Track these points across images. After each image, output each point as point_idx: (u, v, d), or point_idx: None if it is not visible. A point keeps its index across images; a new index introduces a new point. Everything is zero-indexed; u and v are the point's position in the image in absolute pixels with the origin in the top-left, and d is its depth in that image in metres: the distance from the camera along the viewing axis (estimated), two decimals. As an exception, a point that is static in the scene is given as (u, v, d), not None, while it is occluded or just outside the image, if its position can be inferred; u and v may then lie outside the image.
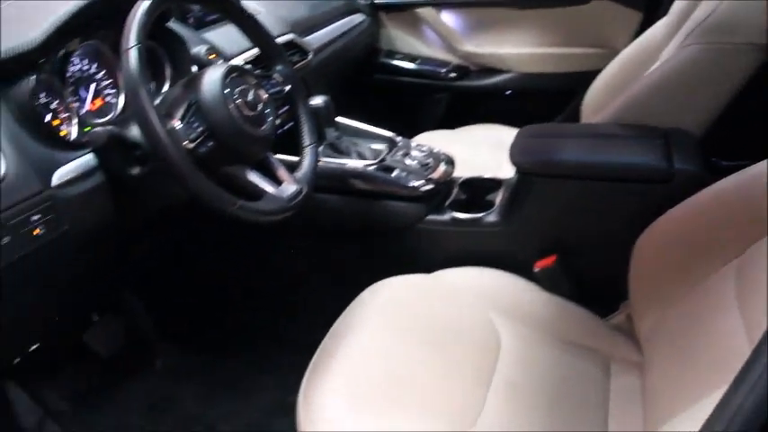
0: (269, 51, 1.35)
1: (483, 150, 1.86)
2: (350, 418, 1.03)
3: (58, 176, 1.06)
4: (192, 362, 1.79)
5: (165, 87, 1.35)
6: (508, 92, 2.33)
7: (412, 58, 2.44)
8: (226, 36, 1.50)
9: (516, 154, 1.40)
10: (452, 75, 2.38)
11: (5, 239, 0.96)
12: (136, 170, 1.11)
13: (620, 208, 1.33)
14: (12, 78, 1.07)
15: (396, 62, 2.46)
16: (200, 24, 1.53)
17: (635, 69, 1.65)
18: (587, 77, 1.89)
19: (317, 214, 1.57)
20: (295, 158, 1.31)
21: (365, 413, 1.04)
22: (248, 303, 1.87)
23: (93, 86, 1.25)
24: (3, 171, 0.98)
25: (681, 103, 1.38)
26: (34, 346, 1.26)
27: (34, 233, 1.01)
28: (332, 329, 1.22)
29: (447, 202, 1.54)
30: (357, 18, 2.27)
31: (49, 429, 1.50)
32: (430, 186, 1.50)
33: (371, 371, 1.11)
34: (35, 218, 1.00)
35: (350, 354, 1.14)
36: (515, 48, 2.29)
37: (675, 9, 1.61)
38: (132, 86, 1.01)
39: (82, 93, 1.23)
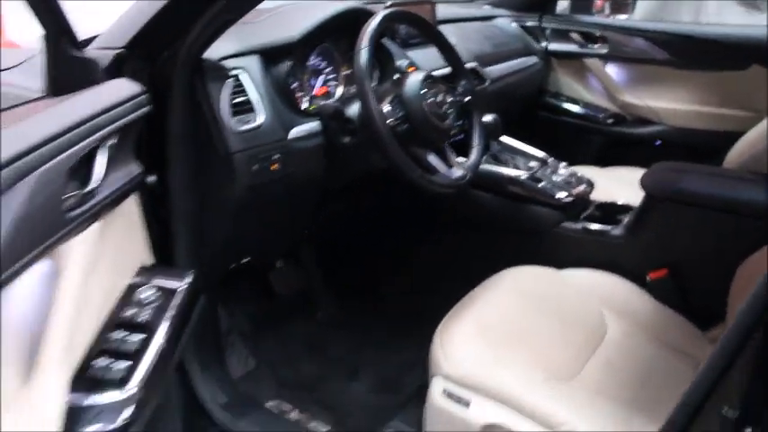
0: (457, 69, 1.65)
1: (623, 186, 1.96)
2: (473, 348, 1.27)
3: (294, 133, 1.41)
4: (347, 316, 2.06)
5: (372, 85, 1.66)
6: (657, 142, 2.43)
7: (575, 101, 2.60)
8: (423, 56, 1.78)
9: (646, 179, 1.57)
10: (609, 121, 2.53)
11: (255, 167, 1.32)
12: (347, 139, 1.45)
13: (729, 236, 1.46)
14: (275, 60, 1.44)
15: (560, 103, 2.63)
16: (405, 44, 1.82)
17: None
18: (734, 137, 1.90)
19: (473, 208, 1.83)
20: (463, 159, 1.58)
21: (486, 349, 1.27)
22: (401, 276, 2.14)
23: (321, 77, 1.61)
24: (263, 120, 1.35)
25: None
26: (246, 259, 1.62)
27: (272, 167, 1.36)
28: (470, 293, 1.45)
29: (582, 216, 1.75)
30: (531, 59, 2.48)
31: (232, 338, 1.82)
32: (570, 199, 1.73)
33: (496, 322, 1.35)
34: (275, 156, 1.36)
35: (480, 309, 1.38)
36: (670, 103, 2.40)
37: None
38: (360, 75, 1.34)
39: (312, 81, 1.59)
